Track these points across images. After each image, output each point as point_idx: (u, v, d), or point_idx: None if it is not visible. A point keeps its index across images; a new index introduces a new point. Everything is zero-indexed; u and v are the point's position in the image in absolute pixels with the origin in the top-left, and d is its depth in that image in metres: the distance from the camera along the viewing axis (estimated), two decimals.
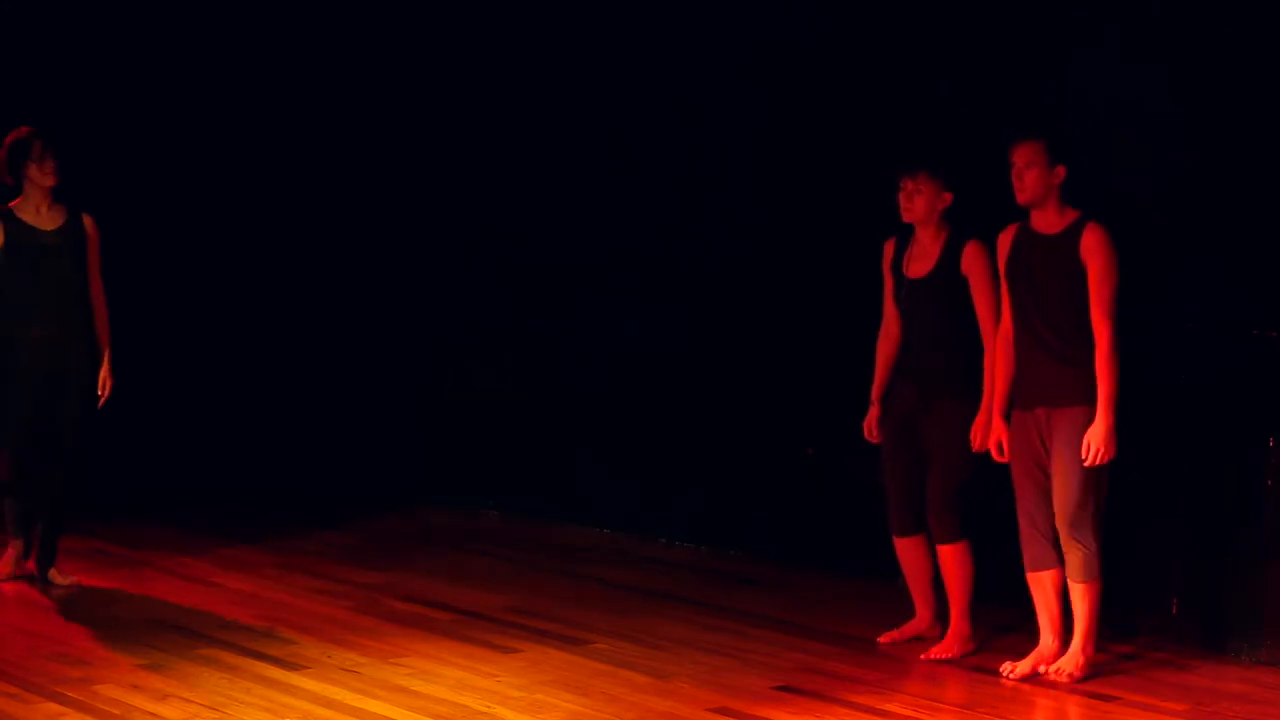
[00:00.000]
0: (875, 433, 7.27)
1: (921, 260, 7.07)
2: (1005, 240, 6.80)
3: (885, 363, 7.27)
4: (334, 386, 10.94)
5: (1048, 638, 6.76)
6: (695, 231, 9.18)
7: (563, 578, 8.58)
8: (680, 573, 8.68)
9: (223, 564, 8.75)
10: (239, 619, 7.57)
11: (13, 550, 8.22)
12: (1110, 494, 6.63)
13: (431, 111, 10.34)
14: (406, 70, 10.42)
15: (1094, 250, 6.57)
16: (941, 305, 7.01)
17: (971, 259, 6.95)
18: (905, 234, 7.15)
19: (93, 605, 7.88)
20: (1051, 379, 6.63)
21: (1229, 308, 7.05)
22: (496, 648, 7.14)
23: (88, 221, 8.05)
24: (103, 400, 8.03)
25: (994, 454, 6.83)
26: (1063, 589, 6.70)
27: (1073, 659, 6.67)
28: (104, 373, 8.03)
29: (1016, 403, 6.76)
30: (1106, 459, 6.53)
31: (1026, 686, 6.64)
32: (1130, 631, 7.20)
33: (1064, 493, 6.59)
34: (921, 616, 7.26)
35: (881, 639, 7.25)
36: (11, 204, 7.98)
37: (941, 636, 7.11)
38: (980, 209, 6.98)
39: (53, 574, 8.17)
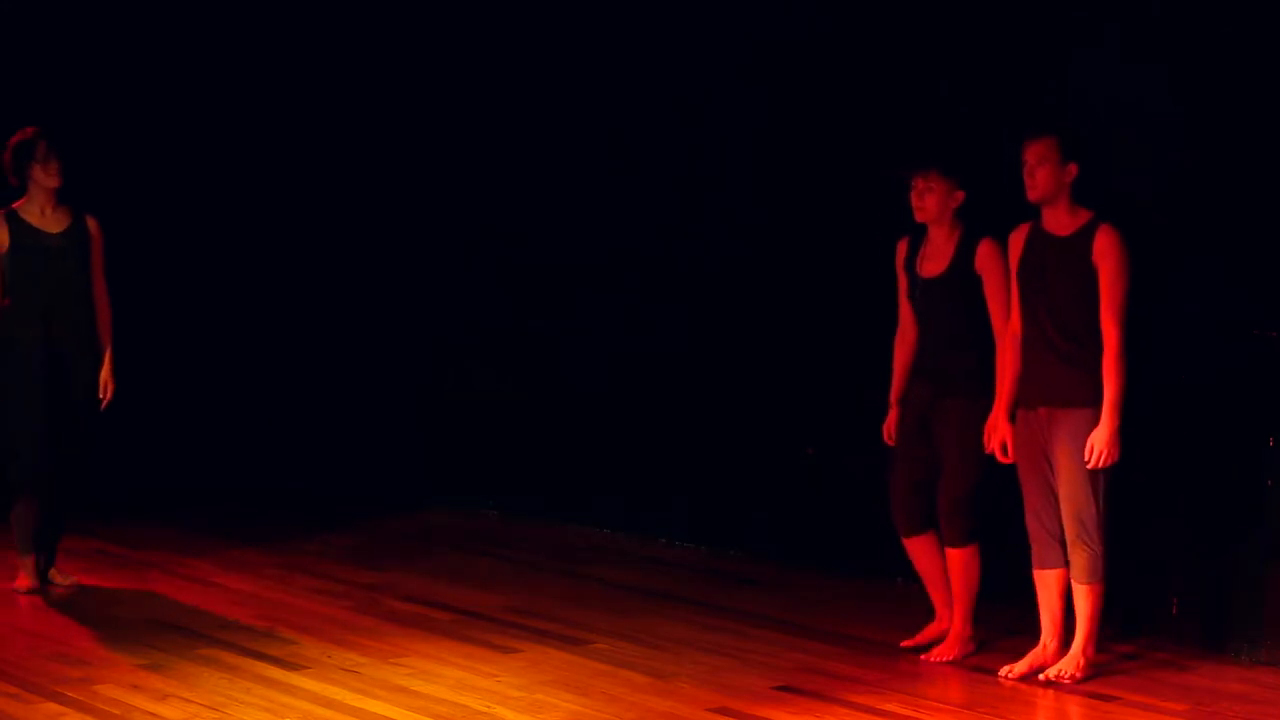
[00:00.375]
0: (895, 436, 7.20)
1: (935, 259, 7.02)
2: (1017, 240, 6.76)
3: (903, 364, 7.19)
4: (334, 386, 10.95)
5: (1047, 638, 6.75)
6: (695, 231, 9.18)
7: (563, 578, 8.58)
8: (680, 573, 8.67)
9: (223, 564, 8.75)
10: (239, 619, 7.57)
11: (30, 561, 8.15)
12: (1110, 494, 6.62)
13: (432, 112, 10.34)
14: (407, 71, 10.42)
15: (1107, 252, 6.53)
16: (956, 304, 6.96)
17: (985, 257, 6.90)
18: (917, 234, 7.10)
19: (93, 605, 7.88)
20: (1057, 379, 6.60)
21: (1229, 308, 7.04)
22: (496, 648, 7.14)
23: (91, 223, 8.06)
24: (105, 403, 8.03)
25: (998, 454, 6.82)
26: (1067, 590, 6.70)
27: (1073, 660, 6.66)
28: (105, 375, 8.03)
29: (1022, 402, 6.75)
30: (1109, 462, 6.51)
31: (1026, 686, 6.64)
32: (1131, 632, 7.20)
33: (1070, 495, 6.58)
34: (941, 617, 7.15)
35: (904, 644, 7.14)
36: (15, 205, 7.98)
37: None
38: (986, 209, 6.97)
39: (53, 574, 8.17)
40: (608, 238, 9.54)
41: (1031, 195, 6.64)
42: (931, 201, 6.96)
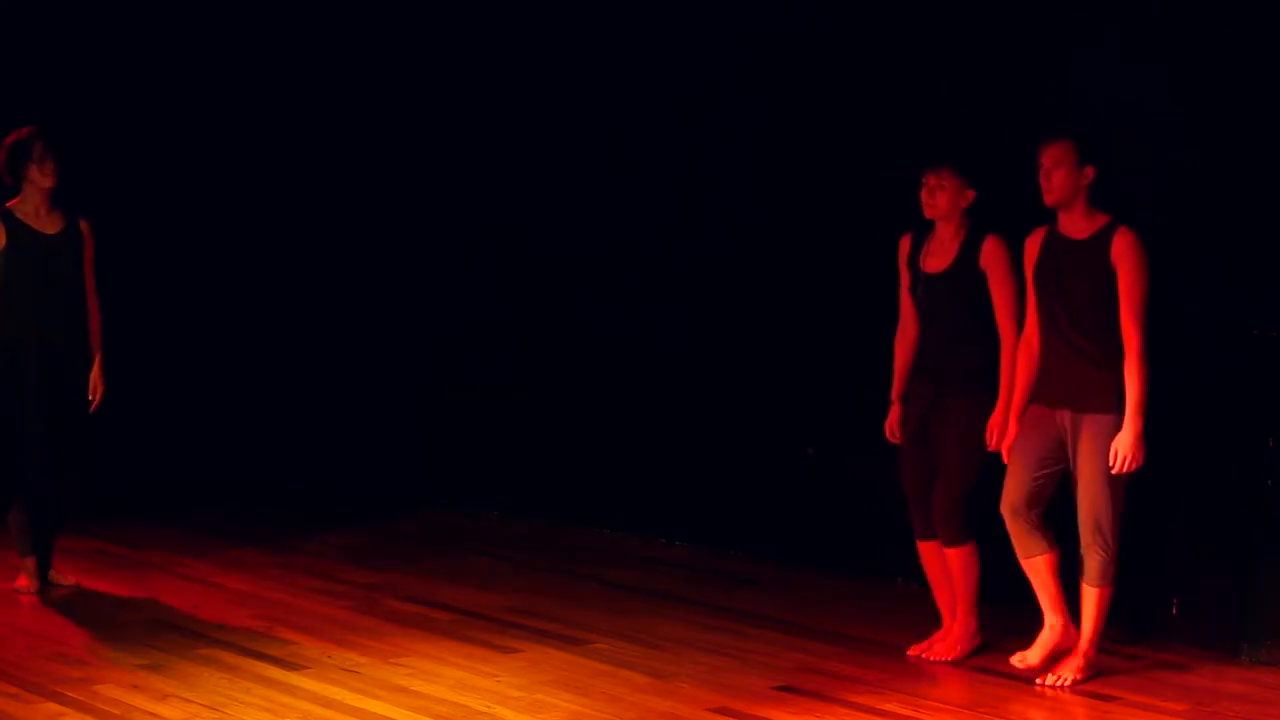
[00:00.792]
0: (897, 434, 7.16)
1: (939, 255, 6.98)
2: (1033, 244, 6.71)
3: (904, 362, 7.15)
4: (334, 386, 10.95)
5: (1052, 617, 6.72)
6: (695, 231, 9.18)
7: (563, 578, 8.58)
8: (680, 573, 8.67)
9: (223, 564, 8.75)
10: (239, 619, 7.57)
11: (30, 562, 8.15)
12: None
13: (432, 112, 10.33)
14: (406, 71, 10.42)
15: (1125, 255, 6.50)
16: (961, 300, 6.92)
17: (990, 254, 6.86)
18: (920, 230, 7.07)
19: (93, 605, 7.88)
20: (1082, 383, 6.56)
21: (1229, 308, 7.04)
22: (496, 648, 7.14)
23: (84, 226, 8.06)
24: (94, 405, 8.03)
25: (1004, 457, 6.79)
26: (1057, 570, 6.68)
27: (1074, 662, 6.66)
28: (95, 377, 8.03)
29: (1037, 398, 6.71)
30: (1134, 467, 6.48)
31: (1027, 686, 6.64)
32: (1131, 632, 7.19)
33: (1090, 500, 6.55)
34: (948, 626, 7.12)
35: (910, 651, 7.10)
36: (9, 204, 7.98)
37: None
38: (986, 209, 6.97)
39: (52, 575, 8.16)
40: (608, 238, 9.54)
41: (1048, 199, 6.59)
42: (943, 199, 6.92)
